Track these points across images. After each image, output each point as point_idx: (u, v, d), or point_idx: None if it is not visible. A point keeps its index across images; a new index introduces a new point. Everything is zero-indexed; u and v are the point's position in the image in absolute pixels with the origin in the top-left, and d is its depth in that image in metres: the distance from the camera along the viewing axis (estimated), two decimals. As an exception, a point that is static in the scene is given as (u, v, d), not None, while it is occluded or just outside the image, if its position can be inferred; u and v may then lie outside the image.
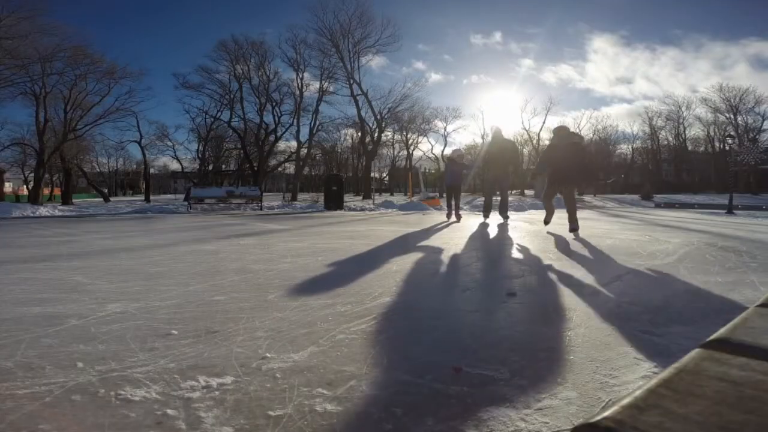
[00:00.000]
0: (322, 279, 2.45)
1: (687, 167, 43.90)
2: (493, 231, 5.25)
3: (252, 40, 28.32)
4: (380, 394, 1.04)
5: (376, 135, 32.20)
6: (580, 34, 66.48)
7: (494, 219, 7.00)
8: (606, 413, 0.40)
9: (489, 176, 7.20)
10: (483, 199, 7.77)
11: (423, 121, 36.00)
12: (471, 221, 7.25)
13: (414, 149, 40.85)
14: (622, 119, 76.73)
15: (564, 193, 5.05)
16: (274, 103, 28.65)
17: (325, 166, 48.24)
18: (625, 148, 47.01)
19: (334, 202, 14.09)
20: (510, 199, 7.99)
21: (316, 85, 28.13)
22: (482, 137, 35.29)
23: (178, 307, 1.80)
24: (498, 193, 7.25)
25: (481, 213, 7.44)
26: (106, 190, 31.11)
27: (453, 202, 7.85)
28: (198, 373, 1.14)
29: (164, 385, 1.07)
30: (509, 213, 7.30)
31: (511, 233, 5.06)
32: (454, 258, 3.18)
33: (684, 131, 41.41)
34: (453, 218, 7.66)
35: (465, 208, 15.36)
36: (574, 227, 4.76)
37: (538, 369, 1.18)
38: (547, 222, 5.62)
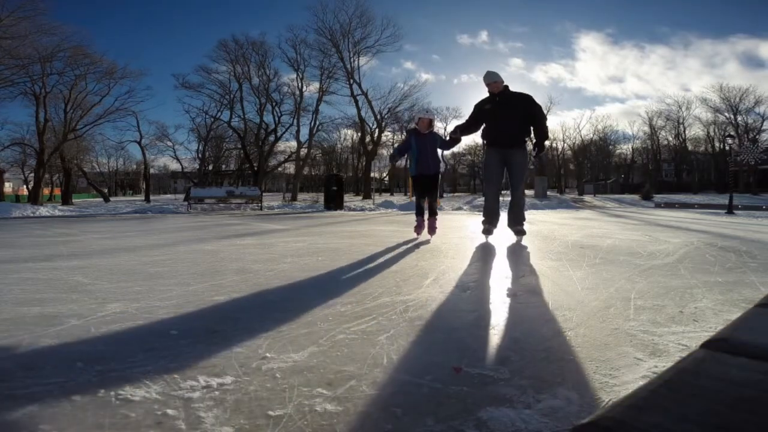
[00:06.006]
0: (322, 279, 2.45)
1: (687, 167, 43.89)
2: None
3: (252, 40, 28.28)
4: (380, 394, 1.04)
5: (376, 135, 32.18)
6: (567, 32, 66.37)
7: (499, 238, 4.07)
8: (606, 413, 0.40)
9: (491, 158, 4.08)
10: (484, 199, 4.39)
11: (423, 121, 35.91)
12: (469, 222, 7.21)
13: (414, 149, 40.73)
14: (616, 119, 76.78)
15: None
16: (274, 103, 28.63)
17: (325, 166, 48.24)
18: (625, 149, 47.06)
19: (334, 202, 14.09)
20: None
21: (316, 85, 28.11)
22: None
23: (178, 307, 1.80)
24: (508, 191, 4.30)
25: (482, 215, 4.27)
26: (106, 190, 31.10)
27: (425, 205, 4.40)
28: (198, 373, 1.14)
29: (164, 385, 1.07)
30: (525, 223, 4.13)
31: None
32: (454, 258, 3.18)
33: (684, 131, 41.42)
34: (424, 232, 4.38)
35: (465, 208, 15.32)
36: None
37: (538, 369, 1.18)
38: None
